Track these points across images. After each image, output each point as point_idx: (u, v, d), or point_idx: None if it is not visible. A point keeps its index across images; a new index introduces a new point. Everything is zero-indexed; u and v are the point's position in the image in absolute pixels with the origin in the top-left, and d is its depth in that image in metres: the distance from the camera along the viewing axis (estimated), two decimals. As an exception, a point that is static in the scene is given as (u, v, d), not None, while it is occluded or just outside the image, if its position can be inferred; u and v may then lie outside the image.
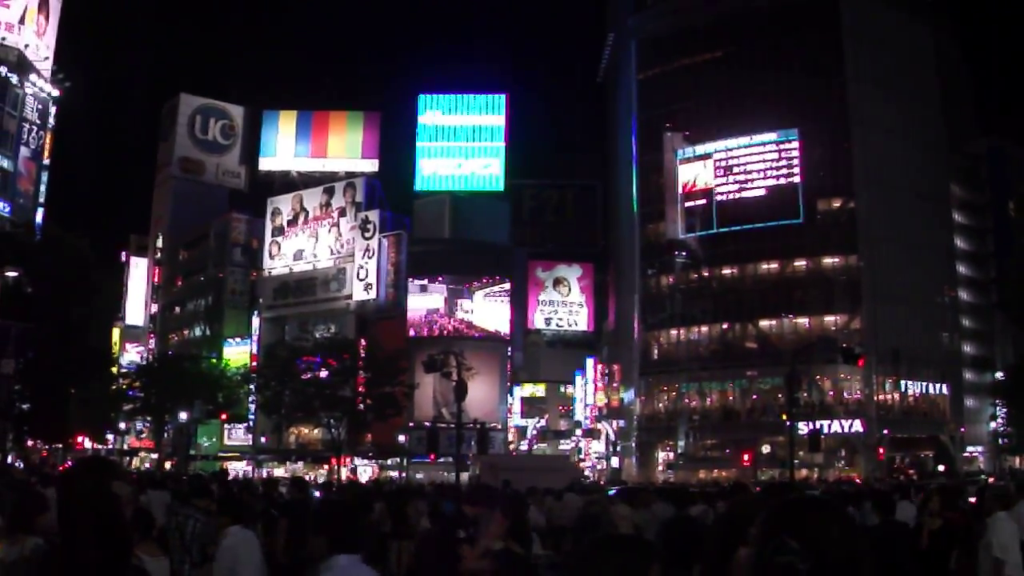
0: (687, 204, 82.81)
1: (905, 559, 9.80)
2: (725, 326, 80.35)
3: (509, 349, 79.03)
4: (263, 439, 79.62)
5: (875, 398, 73.52)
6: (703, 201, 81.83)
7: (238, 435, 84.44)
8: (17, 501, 6.06)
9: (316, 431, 73.35)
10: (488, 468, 29.00)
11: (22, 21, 61.69)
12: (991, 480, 42.94)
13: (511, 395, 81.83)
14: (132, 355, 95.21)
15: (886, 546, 9.68)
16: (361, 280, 79.79)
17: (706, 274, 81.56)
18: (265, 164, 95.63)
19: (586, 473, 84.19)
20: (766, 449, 72.29)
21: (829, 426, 68.74)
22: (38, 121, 61.86)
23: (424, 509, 16.68)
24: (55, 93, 63.21)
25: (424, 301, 78.04)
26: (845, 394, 74.54)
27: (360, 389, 65.30)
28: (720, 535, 3.43)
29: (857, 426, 71.24)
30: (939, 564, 10.19)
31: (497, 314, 79.38)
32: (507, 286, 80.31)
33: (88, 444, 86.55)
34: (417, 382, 64.01)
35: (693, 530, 5.98)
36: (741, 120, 78.79)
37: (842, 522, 2.59)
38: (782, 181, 78.16)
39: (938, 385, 77.87)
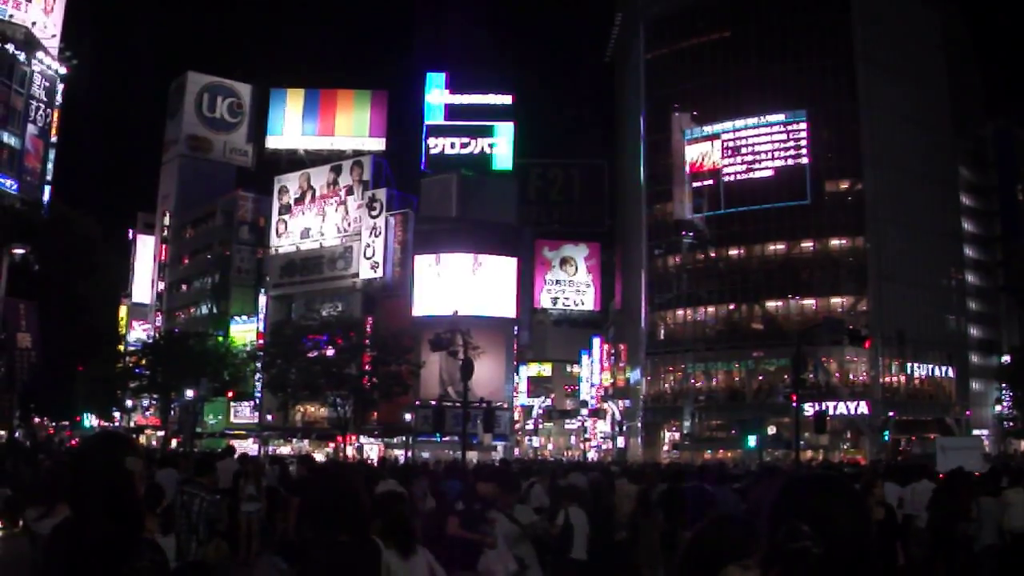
0: (695, 184, 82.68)
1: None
2: (732, 307, 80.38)
3: (515, 328, 78.89)
4: (269, 417, 79.80)
5: (881, 380, 73.54)
6: (711, 181, 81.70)
7: (244, 413, 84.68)
8: (50, 470, 6.08)
9: (322, 409, 73.46)
10: (941, 451, 30.55)
11: (29, -2, 61.69)
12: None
13: (517, 374, 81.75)
14: (139, 333, 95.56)
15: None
16: (368, 259, 79.68)
17: (713, 254, 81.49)
18: (272, 142, 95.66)
19: (591, 453, 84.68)
20: (771, 430, 72.43)
21: (835, 408, 68.78)
22: (45, 99, 61.93)
23: (427, 488, 16.77)
24: (62, 71, 63.22)
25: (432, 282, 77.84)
26: (851, 376, 74.56)
27: (366, 367, 65.33)
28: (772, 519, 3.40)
29: (863, 408, 71.38)
30: (886, 556, 9.92)
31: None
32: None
33: (94, 421, 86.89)
34: (423, 361, 64.02)
35: (682, 499, 7.44)
36: (749, 101, 78.61)
37: (848, 499, 2.59)
38: (790, 162, 78.00)
39: (944, 368, 77.90)
